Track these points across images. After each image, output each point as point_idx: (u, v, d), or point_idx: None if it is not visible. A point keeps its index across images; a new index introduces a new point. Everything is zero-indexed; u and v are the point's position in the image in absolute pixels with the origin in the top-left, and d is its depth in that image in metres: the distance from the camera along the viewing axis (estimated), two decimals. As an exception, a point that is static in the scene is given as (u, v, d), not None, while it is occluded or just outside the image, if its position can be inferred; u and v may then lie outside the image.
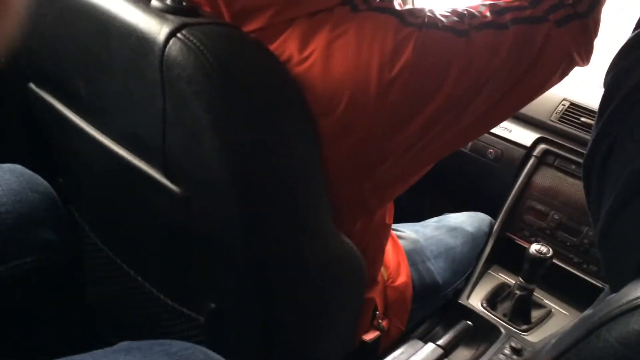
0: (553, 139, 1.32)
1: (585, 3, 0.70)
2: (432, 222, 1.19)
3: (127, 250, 0.79)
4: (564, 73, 0.73)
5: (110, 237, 0.81)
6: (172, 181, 0.60)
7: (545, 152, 1.31)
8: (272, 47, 0.59)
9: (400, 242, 1.04)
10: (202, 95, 0.52)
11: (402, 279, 0.96)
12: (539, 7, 0.67)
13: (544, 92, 0.74)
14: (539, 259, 1.07)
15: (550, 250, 1.09)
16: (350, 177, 0.66)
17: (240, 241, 0.60)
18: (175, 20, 0.53)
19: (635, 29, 0.62)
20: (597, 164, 0.55)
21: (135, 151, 0.63)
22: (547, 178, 1.30)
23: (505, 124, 1.38)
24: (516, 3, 0.67)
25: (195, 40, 0.52)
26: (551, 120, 1.33)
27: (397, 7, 0.62)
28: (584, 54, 0.73)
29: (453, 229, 1.16)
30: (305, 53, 0.59)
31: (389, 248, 0.99)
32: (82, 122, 0.69)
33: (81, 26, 0.61)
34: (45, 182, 0.79)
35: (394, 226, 1.08)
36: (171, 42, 0.52)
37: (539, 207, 1.29)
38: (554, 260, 1.17)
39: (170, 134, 0.57)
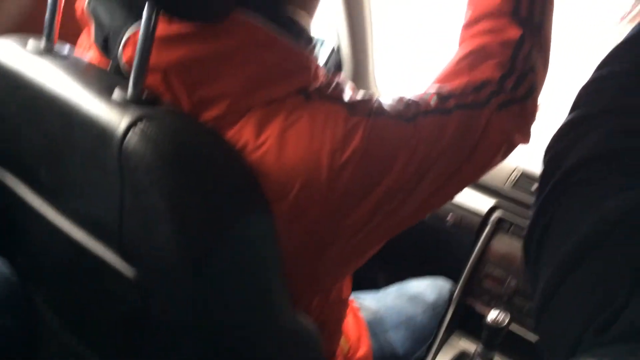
0: (507, 206, 1.38)
1: (524, 88, 0.75)
2: (393, 290, 1.21)
3: (85, 333, 0.78)
4: (506, 154, 0.78)
5: (69, 319, 0.80)
6: (129, 265, 0.62)
7: (501, 220, 1.36)
8: (228, 135, 0.62)
9: (361, 312, 1.05)
10: (159, 183, 0.54)
11: (363, 350, 0.97)
12: (481, 93, 0.72)
13: (488, 171, 0.78)
14: (496, 328, 1.09)
15: (508, 317, 1.12)
16: (304, 258, 0.68)
17: (194, 324, 0.61)
18: (135, 112, 0.56)
19: (571, 111, 0.67)
20: (534, 243, 0.58)
21: (93, 236, 0.64)
22: (504, 244, 1.34)
23: (463, 190, 1.43)
24: (460, 89, 0.72)
25: (153, 131, 0.54)
26: (505, 188, 1.40)
27: (348, 96, 0.66)
28: (524, 136, 0.78)
29: (413, 297, 1.18)
30: (260, 140, 0.62)
31: (350, 320, 1.00)
32: (42, 205, 0.70)
33: (45, 115, 0.63)
34: (3, 265, 0.79)
35: (354, 295, 1.09)
36: (130, 133, 0.55)
37: (497, 273, 1.33)
38: (512, 326, 1.20)
39: (127, 220, 0.58)
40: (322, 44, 1.67)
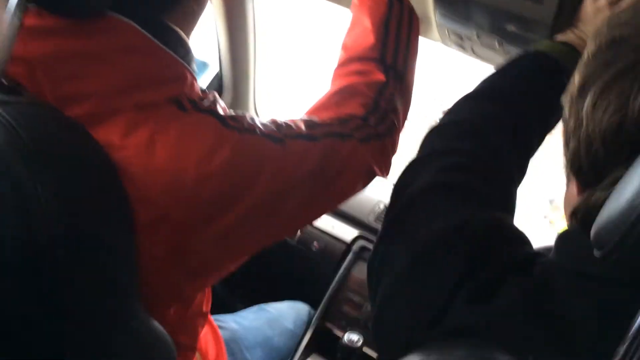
0: (370, 236, 1.46)
1: (385, 126, 0.83)
2: (252, 311, 1.23)
3: None
4: (366, 183, 0.84)
5: None
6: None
7: (362, 248, 1.44)
8: (92, 131, 0.61)
9: (221, 331, 1.05)
10: (10, 172, 0.52)
11: (219, 368, 0.97)
12: (347, 125, 0.78)
13: (349, 198, 0.83)
14: (349, 348, 1.14)
15: (362, 339, 1.18)
16: (164, 264, 0.67)
17: (40, 329, 0.57)
18: (-9, 98, 0.54)
19: (419, 151, 0.75)
20: (376, 265, 0.64)
21: None
22: (364, 272, 1.41)
23: (330, 220, 1.51)
24: (328, 120, 0.78)
25: (9, 118, 0.52)
26: (369, 220, 1.48)
27: (221, 112, 0.68)
28: (384, 168, 0.85)
29: (272, 320, 1.20)
30: (127, 141, 0.61)
31: (208, 337, 1.00)
32: None
33: None
34: None
35: (215, 317, 1.09)
36: (-17, 118, 0.52)
37: (356, 298, 1.39)
38: (365, 349, 1.26)
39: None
40: (206, 68, 1.68)
